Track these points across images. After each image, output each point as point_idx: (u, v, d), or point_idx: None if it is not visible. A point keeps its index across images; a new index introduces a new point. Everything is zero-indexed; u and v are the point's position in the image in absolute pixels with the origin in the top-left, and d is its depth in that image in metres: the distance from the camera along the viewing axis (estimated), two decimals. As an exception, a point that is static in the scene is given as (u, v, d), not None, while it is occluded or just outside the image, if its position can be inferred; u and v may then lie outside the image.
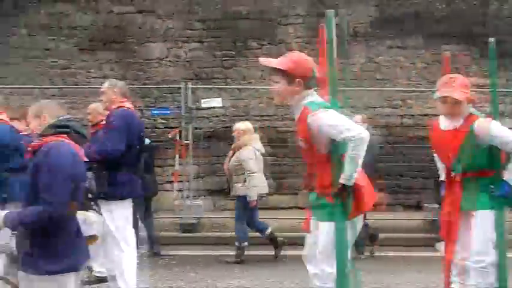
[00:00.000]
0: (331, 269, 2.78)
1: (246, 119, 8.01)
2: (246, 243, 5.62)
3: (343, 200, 2.69)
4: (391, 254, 6.00)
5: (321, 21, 2.94)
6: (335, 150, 2.73)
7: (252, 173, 5.46)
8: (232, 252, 5.71)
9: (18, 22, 8.28)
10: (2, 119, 3.91)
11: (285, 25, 8.24)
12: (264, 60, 2.80)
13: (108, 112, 4.14)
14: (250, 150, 5.56)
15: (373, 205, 2.96)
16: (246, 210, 5.59)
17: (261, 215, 6.34)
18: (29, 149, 2.71)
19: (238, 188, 5.58)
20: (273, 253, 5.77)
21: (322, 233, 2.84)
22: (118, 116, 4.03)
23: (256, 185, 5.51)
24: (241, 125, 5.81)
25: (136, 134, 4.13)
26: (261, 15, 8.22)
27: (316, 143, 2.76)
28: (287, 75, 2.74)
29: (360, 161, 2.66)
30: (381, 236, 6.00)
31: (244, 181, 5.48)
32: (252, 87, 7.74)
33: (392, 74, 8.24)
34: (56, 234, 2.67)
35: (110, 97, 4.12)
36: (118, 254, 3.92)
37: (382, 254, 5.91)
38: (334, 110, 2.74)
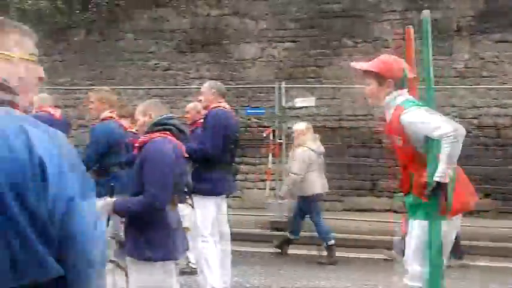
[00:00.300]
0: (422, 269, 2.75)
1: (340, 119, 7.90)
2: (332, 242, 5.62)
3: (438, 198, 2.66)
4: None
5: (419, 17, 2.91)
6: (430, 148, 2.69)
7: (293, 173, 5.63)
8: (321, 253, 5.74)
9: (125, 28, 8.93)
10: (112, 117, 4.22)
11: (380, 22, 7.97)
12: (355, 64, 2.81)
13: (206, 112, 4.33)
14: (303, 151, 5.66)
15: (471, 209, 2.95)
16: (306, 208, 5.79)
17: (354, 217, 6.21)
18: (136, 144, 2.92)
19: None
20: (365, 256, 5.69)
21: (415, 232, 2.83)
22: (215, 116, 4.19)
23: (309, 185, 5.65)
24: (299, 126, 5.94)
25: (231, 134, 4.27)
26: (355, 13, 8.03)
27: (411, 142, 2.77)
28: (378, 76, 2.81)
29: (455, 159, 2.63)
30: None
31: (301, 181, 5.59)
32: (346, 86, 7.58)
33: (499, 70, 7.60)
34: (158, 224, 2.85)
35: (208, 97, 4.30)
36: (203, 247, 4.08)
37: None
38: (428, 108, 2.74)
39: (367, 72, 2.87)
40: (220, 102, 4.30)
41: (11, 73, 1.33)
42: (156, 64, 8.77)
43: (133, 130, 4.48)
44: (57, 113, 5.19)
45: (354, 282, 4.91)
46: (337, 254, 5.63)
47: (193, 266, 4.76)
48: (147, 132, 2.90)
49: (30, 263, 1.21)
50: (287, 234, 6.05)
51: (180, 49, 8.66)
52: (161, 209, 2.82)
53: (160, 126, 2.91)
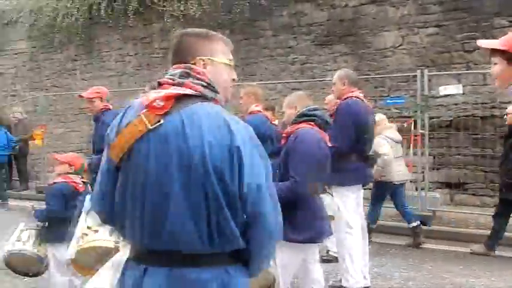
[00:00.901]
0: None
1: (492, 107, 7.24)
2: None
3: None
4: None
5: None
6: None
7: (386, 155, 5.58)
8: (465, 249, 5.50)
9: (265, 25, 9.33)
10: (259, 110, 4.50)
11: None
12: (483, 42, 2.62)
13: (338, 103, 4.33)
14: (381, 139, 5.68)
15: None
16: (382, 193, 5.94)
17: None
18: (283, 135, 3.12)
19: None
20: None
21: None
22: (345, 108, 4.16)
23: (392, 171, 5.77)
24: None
25: (364, 124, 4.18)
26: (510, -12, 7.26)
27: None
28: (507, 55, 2.51)
29: None
30: None
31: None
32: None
33: None
34: (303, 208, 3.02)
35: (339, 88, 4.30)
36: (345, 237, 4.10)
37: None
38: None
39: (496, 51, 2.50)
40: (352, 91, 4.27)
41: (216, 75, 1.61)
42: (294, 58, 9.02)
43: (275, 122, 4.75)
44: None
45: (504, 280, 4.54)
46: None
47: (334, 255, 4.86)
48: (293, 123, 3.08)
49: (222, 235, 1.48)
50: (427, 226, 6.12)
51: (317, 42, 8.76)
52: (303, 194, 2.98)
53: (305, 117, 3.07)
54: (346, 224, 4.07)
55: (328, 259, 4.96)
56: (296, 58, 9.01)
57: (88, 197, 3.61)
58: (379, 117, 6.06)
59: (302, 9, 8.90)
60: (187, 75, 1.56)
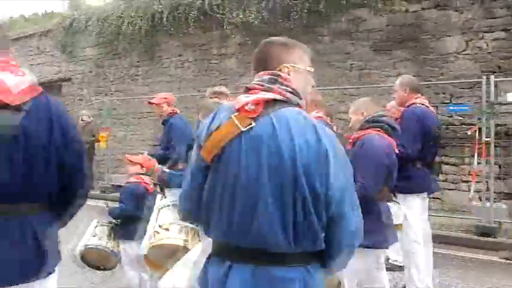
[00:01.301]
0: None
1: None
2: None
3: None
4: None
5: None
6: None
7: None
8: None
9: (323, 31, 9.34)
10: (320, 117, 4.53)
11: None
12: None
13: (402, 110, 4.27)
14: None
15: None
16: None
17: None
18: (350, 140, 3.15)
19: None
20: None
21: None
22: (411, 116, 4.09)
23: None
24: None
25: (430, 131, 4.11)
26: None
27: None
28: None
29: None
30: None
31: None
32: None
33: None
34: (369, 213, 3.01)
35: (401, 94, 4.24)
36: (413, 246, 4.03)
37: None
38: None
39: None
40: (416, 98, 4.19)
41: (297, 82, 1.70)
42: (352, 64, 8.96)
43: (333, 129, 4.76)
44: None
45: None
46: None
47: (394, 263, 4.79)
48: (360, 129, 3.10)
49: (307, 235, 1.54)
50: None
51: (376, 48, 8.67)
52: (370, 199, 2.98)
53: (372, 123, 3.08)
54: (414, 233, 4.01)
55: (389, 267, 4.89)
56: (354, 64, 8.95)
57: (159, 196, 3.80)
58: None
59: (360, 15, 8.84)
60: (274, 81, 1.65)
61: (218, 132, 1.59)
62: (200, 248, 2.64)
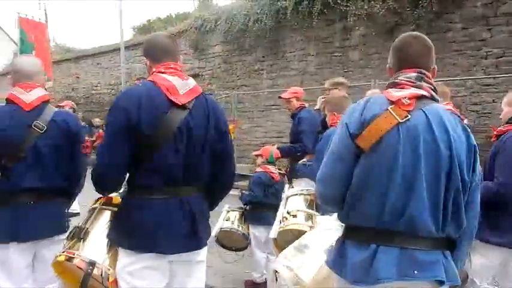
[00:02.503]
0: None
1: None
2: None
3: None
4: None
5: None
6: None
7: None
8: None
9: (454, 17, 8.79)
10: (449, 109, 4.36)
11: None
12: None
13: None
14: None
15: None
16: None
17: None
18: (494, 133, 3.04)
19: None
20: None
21: None
22: None
23: None
24: None
25: None
26: None
27: None
28: None
29: None
30: None
31: None
32: None
33: None
34: (503, 210, 2.88)
35: None
36: None
37: None
38: None
39: None
40: None
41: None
42: (488, 52, 8.31)
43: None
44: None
45: None
46: None
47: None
48: (508, 123, 2.97)
49: (454, 222, 1.70)
50: None
51: (517, 33, 7.93)
52: (507, 196, 2.84)
53: (517, 118, 2.92)
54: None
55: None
56: (490, 52, 8.29)
57: (287, 186, 4.04)
58: None
59: (499, -2, 8.15)
60: (421, 79, 1.80)
61: (376, 123, 1.71)
62: (312, 233, 2.77)
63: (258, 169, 4.66)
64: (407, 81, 1.80)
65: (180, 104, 2.16)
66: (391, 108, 1.72)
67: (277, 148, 4.90)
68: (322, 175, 1.84)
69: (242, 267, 4.92)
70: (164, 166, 2.13)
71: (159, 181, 2.14)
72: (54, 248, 2.60)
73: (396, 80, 1.83)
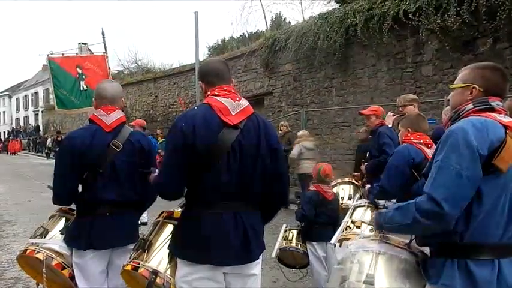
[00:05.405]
0: None
1: None
2: None
3: None
4: None
5: None
6: None
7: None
8: None
9: (537, 29, 8.27)
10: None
11: None
12: None
13: None
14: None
15: None
16: None
17: None
18: None
19: None
20: None
21: None
22: None
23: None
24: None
25: None
26: None
27: None
28: None
29: None
30: None
31: None
32: None
33: None
34: None
35: None
36: None
37: None
38: None
39: None
40: None
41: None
42: None
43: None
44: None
45: None
46: None
47: None
48: None
49: None
50: None
51: None
52: None
53: None
54: None
55: None
56: None
57: (357, 195, 4.09)
58: (302, 132, 10.36)
59: None
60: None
61: (508, 145, 1.88)
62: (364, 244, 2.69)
63: (311, 187, 4.65)
64: (502, 108, 2.02)
65: (231, 123, 2.30)
66: (509, 133, 1.92)
67: (364, 167, 4.90)
68: (451, 195, 1.85)
69: (309, 282, 4.94)
70: (218, 183, 2.27)
71: (213, 197, 2.29)
72: (125, 257, 2.81)
73: (493, 105, 2.01)
